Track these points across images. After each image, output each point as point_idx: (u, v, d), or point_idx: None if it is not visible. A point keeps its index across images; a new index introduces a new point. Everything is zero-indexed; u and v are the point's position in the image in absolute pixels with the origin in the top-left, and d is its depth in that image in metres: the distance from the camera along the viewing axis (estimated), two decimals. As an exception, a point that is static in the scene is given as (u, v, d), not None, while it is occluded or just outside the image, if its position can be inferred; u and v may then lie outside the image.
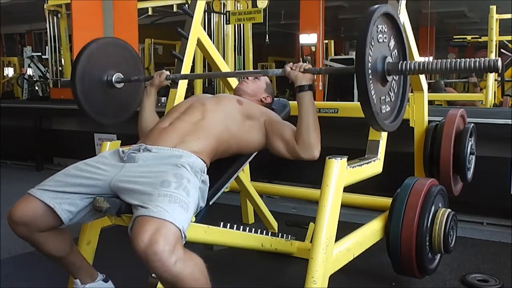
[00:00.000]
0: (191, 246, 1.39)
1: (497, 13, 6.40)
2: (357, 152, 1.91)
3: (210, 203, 1.78)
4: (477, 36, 9.24)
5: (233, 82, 2.79)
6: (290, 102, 2.42)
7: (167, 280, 1.29)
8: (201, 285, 1.34)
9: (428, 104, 2.67)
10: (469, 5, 11.71)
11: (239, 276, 2.29)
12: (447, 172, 2.40)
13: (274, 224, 2.80)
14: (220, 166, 1.88)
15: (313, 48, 9.11)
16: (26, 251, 2.37)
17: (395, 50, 1.69)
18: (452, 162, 2.40)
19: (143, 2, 7.83)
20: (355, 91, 8.22)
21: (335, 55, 10.57)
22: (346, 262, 1.74)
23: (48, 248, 1.65)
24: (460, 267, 2.34)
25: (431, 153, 2.48)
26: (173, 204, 1.39)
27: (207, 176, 1.68)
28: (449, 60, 1.54)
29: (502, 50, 7.25)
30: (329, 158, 1.60)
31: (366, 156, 1.91)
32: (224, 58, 4.39)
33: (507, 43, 6.91)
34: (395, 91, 1.72)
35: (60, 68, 6.77)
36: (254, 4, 5.81)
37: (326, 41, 10.06)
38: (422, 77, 2.53)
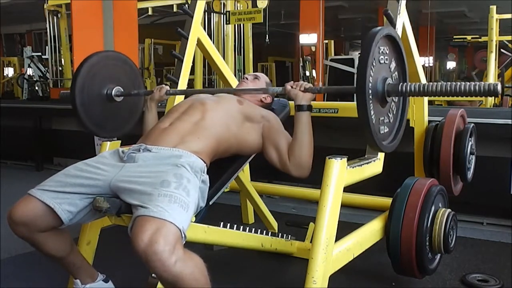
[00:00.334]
0: (191, 246, 1.39)
1: (497, 13, 6.40)
2: (357, 152, 1.91)
3: (210, 203, 1.78)
4: (477, 36, 9.25)
5: (233, 82, 2.79)
6: (290, 102, 2.42)
7: (167, 280, 1.29)
8: (201, 285, 1.34)
9: (428, 104, 2.67)
10: (469, 5, 11.72)
11: (239, 276, 2.29)
12: (447, 172, 2.40)
13: (274, 224, 2.80)
14: (220, 166, 1.88)
15: (313, 48, 9.11)
16: (26, 251, 2.37)
17: (396, 72, 1.69)
18: (452, 162, 2.40)
19: (143, 2, 7.83)
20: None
21: (335, 55, 10.58)
22: (346, 262, 1.74)
23: (48, 248, 1.65)
24: (460, 267, 2.34)
25: (431, 153, 2.48)
26: (173, 204, 1.39)
27: (207, 176, 1.68)
28: (449, 83, 1.54)
29: (502, 50, 7.25)
30: (329, 158, 1.60)
31: (366, 156, 1.91)
32: (224, 58, 4.39)
33: (507, 43, 6.91)
34: (394, 112, 1.73)
35: (60, 68, 6.77)
36: (254, 4, 5.81)
37: (326, 41, 10.07)
38: (422, 77, 2.53)
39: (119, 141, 2.06)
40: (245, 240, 1.91)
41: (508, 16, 6.51)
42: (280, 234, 2.18)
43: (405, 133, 2.56)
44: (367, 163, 1.83)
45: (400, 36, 2.11)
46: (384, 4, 2.17)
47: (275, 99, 2.32)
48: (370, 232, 1.95)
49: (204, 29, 2.89)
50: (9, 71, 12.67)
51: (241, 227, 1.90)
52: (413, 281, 2.12)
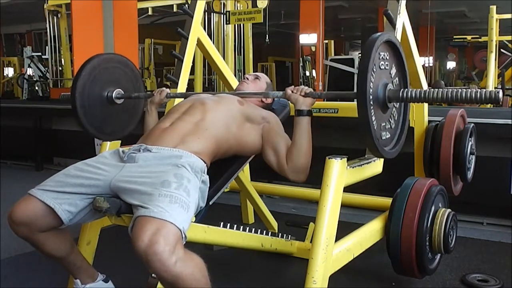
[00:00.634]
0: (191, 246, 1.39)
1: (497, 13, 6.40)
2: (357, 152, 1.91)
3: (210, 203, 1.78)
4: (477, 36, 9.25)
5: (233, 82, 2.79)
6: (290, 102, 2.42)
7: (167, 280, 1.29)
8: (201, 285, 1.34)
9: (428, 104, 2.67)
10: (469, 5, 11.71)
11: (239, 276, 2.29)
12: (447, 172, 2.40)
13: (274, 224, 2.80)
14: (220, 166, 1.88)
15: (313, 48, 9.11)
16: (26, 251, 2.37)
17: (396, 78, 1.69)
18: (452, 162, 2.40)
19: (143, 2, 7.83)
20: (355, 91, 8.22)
21: (335, 55, 10.58)
22: (346, 262, 1.74)
23: (49, 248, 1.65)
24: (460, 267, 2.34)
25: (431, 153, 2.48)
26: (173, 204, 1.39)
27: (207, 177, 1.68)
28: (450, 89, 1.55)
29: (502, 50, 7.25)
30: (329, 158, 1.60)
31: (366, 156, 1.91)
32: (224, 58, 4.39)
33: (507, 43, 6.91)
34: (395, 118, 1.73)
35: (60, 68, 6.77)
36: (254, 4, 5.80)
37: (326, 41, 10.07)
38: (422, 77, 2.53)
39: (119, 141, 2.06)
40: (245, 240, 1.91)
41: (508, 16, 6.51)
42: (280, 234, 2.18)
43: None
44: (367, 163, 1.84)
45: (400, 37, 2.12)
46: (384, 4, 2.17)
47: (275, 99, 2.32)
48: (370, 232, 1.95)
49: (204, 29, 2.89)
50: (9, 71, 12.67)
51: (241, 227, 1.90)
52: (413, 281, 2.12)
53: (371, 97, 1.50)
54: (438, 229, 1.93)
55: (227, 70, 2.78)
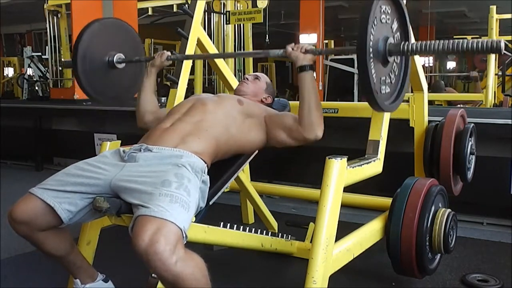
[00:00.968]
0: (191, 246, 1.39)
1: (497, 13, 6.39)
2: (357, 152, 1.91)
3: (210, 203, 1.78)
4: (477, 36, 9.25)
5: (233, 82, 2.79)
6: (290, 102, 2.42)
7: (168, 280, 1.30)
8: (201, 285, 1.34)
9: (428, 104, 2.67)
10: (469, 5, 11.70)
11: (239, 276, 2.29)
12: (447, 172, 2.40)
13: (274, 224, 2.80)
14: (220, 166, 1.88)
15: (313, 48, 9.08)
16: (26, 251, 2.37)
17: (398, 33, 1.68)
18: (452, 162, 2.40)
19: (143, 2, 7.83)
20: (355, 91, 8.21)
21: (335, 55, 10.57)
22: (346, 262, 1.74)
23: (49, 247, 1.65)
24: (460, 267, 2.34)
25: (431, 153, 2.48)
26: (174, 204, 1.39)
27: (208, 177, 1.68)
28: (451, 40, 1.54)
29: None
30: (329, 158, 1.60)
31: (366, 156, 1.91)
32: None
33: (507, 43, 6.92)
34: (396, 73, 1.72)
35: (60, 68, 6.77)
36: (254, 4, 5.80)
37: (326, 41, 10.05)
38: (422, 77, 2.53)
39: (119, 141, 2.06)
40: (245, 240, 1.91)
41: (508, 16, 6.51)
42: (280, 234, 2.18)
43: (405, 133, 2.59)
44: (367, 163, 1.84)
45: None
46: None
47: (275, 99, 2.32)
48: (370, 232, 1.95)
49: (204, 29, 2.89)
50: (9, 71, 12.66)
51: (241, 227, 1.90)
52: (413, 281, 2.12)
53: (371, 49, 1.49)
54: (438, 229, 1.93)
55: (227, 70, 2.78)
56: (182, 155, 1.63)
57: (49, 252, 1.67)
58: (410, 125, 2.58)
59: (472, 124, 2.54)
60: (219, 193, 1.88)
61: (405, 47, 1.60)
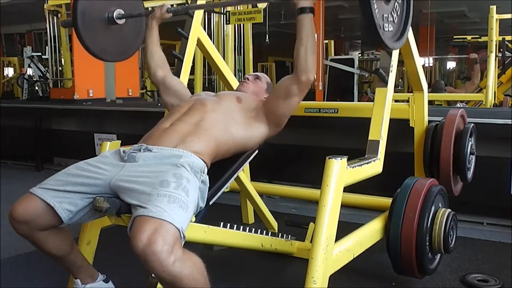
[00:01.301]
0: (191, 246, 1.39)
1: (497, 13, 6.39)
2: (357, 152, 1.91)
3: (210, 203, 1.78)
4: (477, 36, 9.23)
5: (234, 82, 2.79)
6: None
7: (166, 280, 1.29)
8: (200, 285, 1.34)
9: (428, 104, 2.67)
10: (469, 5, 11.70)
11: (239, 276, 2.29)
12: (447, 172, 2.40)
13: (274, 224, 2.80)
14: (220, 166, 1.88)
15: (313, 48, 9.08)
16: (26, 251, 2.37)
17: None
18: (452, 162, 2.40)
19: (143, 2, 7.81)
20: (355, 91, 8.21)
21: (335, 55, 10.56)
22: (346, 262, 1.74)
23: (49, 247, 1.65)
24: (460, 267, 2.34)
25: (431, 153, 2.48)
26: (172, 204, 1.39)
27: (207, 176, 1.68)
28: None
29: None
30: (329, 158, 1.60)
31: (366, 156, 1.91)
32: (224, 58, 4.39)
33: (507, 43, 6.89)
34: (398, 14, 1.72)
35: (60, 68, 6.76)
36: (254, 4, 5.79)
37: (326, 41, 10.05)
38: (422, 77, 2.53)
39: (119, 141, 2.06)
40: (245, 240, 1.91)
41: (508, 16, 6.50)
42: (280, 234, 2.18)
43: (405, 133, 2.59)
44: (367, 163, 1.83)
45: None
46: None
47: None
48: (370, 232, 1.95)
49: (204, 29, 2.89)
50: (9, 71, 12.65)
51: (241, 227, 1.90)
52: (413, 281, 2.12)
53: None
54: (438, 229, 1.93)
55: (227, 70, 2.79)
56: (181, 155, 1.63)
57: (49, 252, 1.67)
58: (410, 125, 2.58)
59: (472, 124, 2.54)
60: (219, 193, 1.88)
61: None
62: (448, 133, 2.41)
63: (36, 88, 9.24)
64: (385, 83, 2.04)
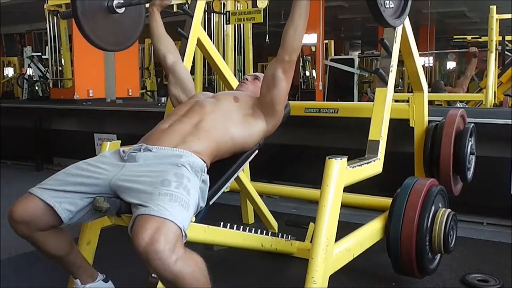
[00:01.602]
0: (191, 246, 1.39)
1: (497, 13, 6.39)
2: (357, 152, 1.91)
3: (210, 203, 1.78)
4: (477, 36, 9.23)
5: (233, 82, 2.79)
6: (290, 102, 2.42)
7: (168, 279, 1.30)
8: (201, 284, 1.34)
9: (428, 104, 2.67)
10: (469, 5, 11.70)
11: (239, 276, 2.29)
12: (447, 172, 2.40)
13: (274, 224, 2.80)
14: (221, 166, 1.88)
15: (313, 48, 9.09)
16: (26, 251, 2.37)
17: None
18: (452, 162, 2.40)
19: (143, 2, 7.80)
20: (355, 91, 8.21)
21: (335, 55, 10.56)
22: (346, 262, 1.74)
23: (48, 247, 1.65)
24: (460, 267, 2.34)
25: (431, 153, 2.48)
26: (173, 203, 1.39)
27: (207, 176, 1.68)
28: None
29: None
30: (329, 158, 1.60)
31: (366, 156, 1.91)
32: (224, 58, 4.39)
33: (507, 43, 6.89)
34: None
35: (60, 68, 6.76)
36: (254, 4, 5.79)
37: (326, 41, 10.05)
38: (422, 77, 2.53)
39: (119, 141, 2.06)
40: (245, 240, 1.91)
41: (508, 16, 6.49)
42: (280, 234, 2.18)
43: (405, 133, 2.59)
44: (367, 163, 1.83)
45: (400, 37, 2.12)
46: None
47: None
48: (370, 232, 1.95)
49: (204, 29, 2.89)
50: (9, 71, 12.65)
51: (241, 227, 1.90)
52: (413, 281, 2.12)
53: None
54: (438, 229, 1.93)
55: (227, 70, 2.79)
56: (181, 155, 1.63)
57: (49, 252, 1.67)
58: (410, 125, 2.58)
59: (472, 124, 2.54)
60: (219, 193, 1.88)
61: None
62: (448, 133, 2.41)
63: (36, 88, 9.24)
64: (385, 83, 2.04)
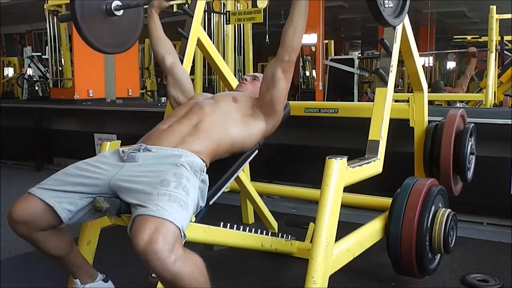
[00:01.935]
0: (191, 246, 1.39)
1: (497, 13, 6.39)
2: (357, 152, 1.91)
3: (210, 203, 1.78)
4: (477, 36, 9.23)
5: (233, 82, 2.79)
6: (290, 102, 2.42)
7: (167, 279, 1.29)
8: (200, 284, 1.34)
9: (428, 104, 2.67)
10: (469, 5, 11.71)
11: (239, 276, 2.29)
12: (447, 172, 2.40)
13: (274, 224, 2.80)
14: (221, 166, 1.88)
15: (313, 48, 9.09)
16: (26, 251, 2.37)
17: None
18: (452, 162, 2.40)
19: (143, 2, 7.79)
20: (355, 91, 8.21)
21: (335, 55, 10.57)
22: (346, 262, 1.74)
23: (48, 247, 1.65)
24: (460, 267, 2.34)
25: (431, 153, 2.48)
26: (172, 203, 1.39)
27: (207, 176, 1.68)
28: None
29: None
30: (329, 158, 1.60)
31: (366, 156, 1.91)
32: (224, 58, 4.39)
33: (507, 43, 6.90)
34: None
35: (60, 68, 6.76)
36: (254, 4, 5.79)
37: (326, 41, 10.05)
38: (422, 77, 2.53)
39: (119, 141, 2.06)
40: (245, 240, 1.91)
41: (508, 16, 6.50)
42: (280, 234, 2.18)
43: (405, 133, 2.59)
44: (367, 163, 1.83)
45: (400, 36, 2.12)
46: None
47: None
48: (370, 232, 1.95)
49: (204, 29, 2.89)
50: (9, 71, 12.65)
51: (241, 227, 1.90)
52: (413, 281, 2.12)
53: None
54: (438, 229, 1.93)
55: (227, 70, 2.79)
56: (181, 155, 1.63)
57: (49, 252, 1.67)
58: (410, 125, 2.58)
59: (472, 124, 2.54)
60: (219, 193, 1.88)
61: None
62: (448, 133, 2.41)
63: (36, 88, 9.24)
64: (385, 83, 2.04)
